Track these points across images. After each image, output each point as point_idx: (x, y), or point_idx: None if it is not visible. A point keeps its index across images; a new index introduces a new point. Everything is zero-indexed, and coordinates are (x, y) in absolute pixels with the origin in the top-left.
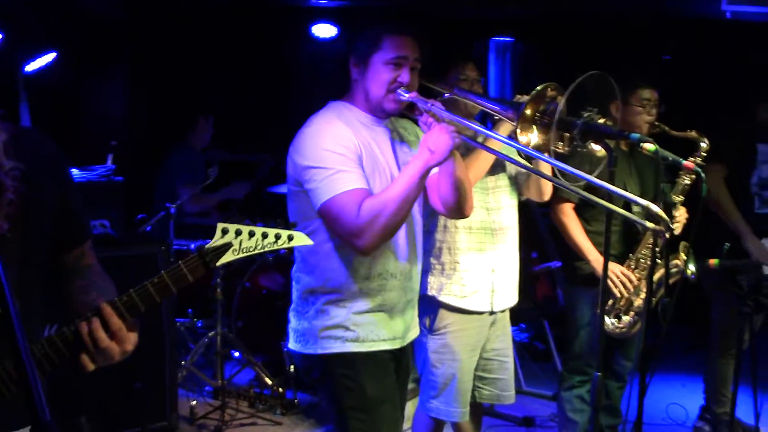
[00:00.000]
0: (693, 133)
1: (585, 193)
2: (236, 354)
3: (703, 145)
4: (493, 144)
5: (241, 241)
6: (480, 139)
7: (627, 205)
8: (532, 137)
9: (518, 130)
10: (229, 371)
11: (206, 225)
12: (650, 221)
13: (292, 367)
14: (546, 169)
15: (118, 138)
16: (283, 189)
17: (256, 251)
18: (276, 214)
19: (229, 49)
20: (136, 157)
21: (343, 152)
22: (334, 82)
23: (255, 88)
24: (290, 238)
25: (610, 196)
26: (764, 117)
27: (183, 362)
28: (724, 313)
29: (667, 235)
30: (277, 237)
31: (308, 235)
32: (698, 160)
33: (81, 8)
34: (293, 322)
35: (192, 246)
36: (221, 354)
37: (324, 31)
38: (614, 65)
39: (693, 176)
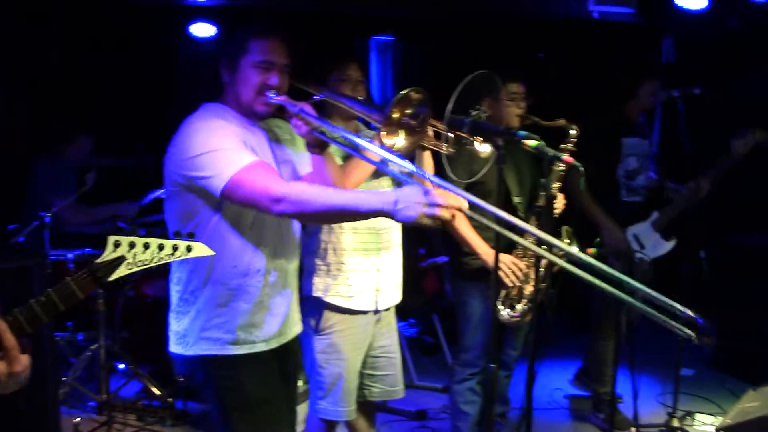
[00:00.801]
0: (562, 122)
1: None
2: (121, 366)
3: (573, 132)
4: (371, 154)
5: (135, 254)
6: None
7: (507, 197)
8: (397, 141)
9: (384, 133)
10: (115, 384)
11: (85, 234)
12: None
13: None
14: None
15: None
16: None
17: (153, 264)
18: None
19: (105, 50)
20: (5, 164)
21: (231, 137)
22: (215, 83)
23: (132, 90)
24: (189, 248)
25: (497, 192)
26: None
27: (64, 378)
28: (602, 299)
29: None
30: (175, 248)
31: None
32: (570, 146)
33: None
34: (173, 324)
35: (69, 255)
36: (106, 367)
37: (202, 30)
38: (490, 63)
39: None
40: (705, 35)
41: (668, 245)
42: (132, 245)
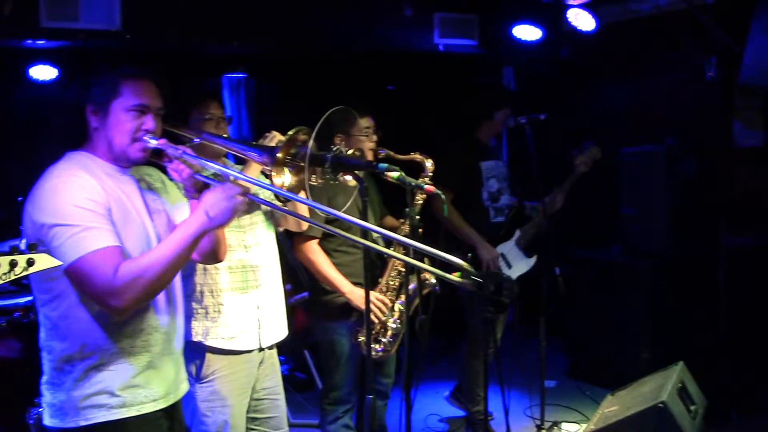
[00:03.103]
0: (417, 156)
1: (338, 231)
2: None
3: (429, 165)
4: (259, 191)
5: None
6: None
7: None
8: (285, 179)
9: (273, 174)
10: None
11: None
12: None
13: None
14: (302, 208)
15: None
16: (7, 246)
17: None
18: None
19: None
20: None
21: (90, 207)
22: (56, 126)
23: None
24: (30, 262)
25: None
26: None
27: None
28: (472, 320)
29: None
30: (13, 264)
31: (56, 297)
32: (427, 179)
33: None
34: (47, 396)
35: None
36: None
37: (43, 73)
38: (342, 97)
39: (424, 195)
40: (540, 64)
41: (531, 262)
42: None
